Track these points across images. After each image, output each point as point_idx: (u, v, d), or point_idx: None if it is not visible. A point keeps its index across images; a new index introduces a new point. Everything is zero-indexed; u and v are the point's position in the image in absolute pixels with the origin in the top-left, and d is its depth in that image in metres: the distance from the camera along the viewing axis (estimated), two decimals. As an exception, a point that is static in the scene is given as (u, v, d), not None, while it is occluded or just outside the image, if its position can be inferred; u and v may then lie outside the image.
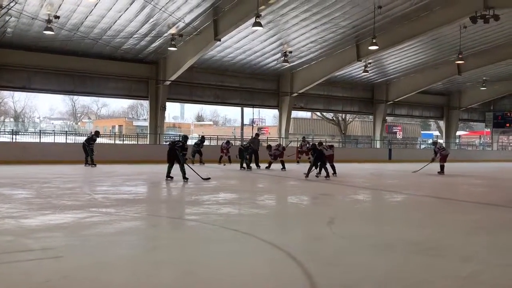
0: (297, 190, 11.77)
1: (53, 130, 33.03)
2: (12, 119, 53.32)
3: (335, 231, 6.12)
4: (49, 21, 16.75)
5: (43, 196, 9.22)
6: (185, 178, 12.18)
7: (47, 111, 66.13)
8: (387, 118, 34.61)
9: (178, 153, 12.12)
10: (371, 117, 34.22)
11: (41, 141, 21.25)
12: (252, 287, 3.82)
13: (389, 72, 29.32)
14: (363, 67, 25.67)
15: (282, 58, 23.56)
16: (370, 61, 25.32)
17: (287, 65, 24.18)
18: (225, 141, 21.59)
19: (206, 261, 4.51)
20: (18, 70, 20.62)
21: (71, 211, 7.18)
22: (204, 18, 18.52)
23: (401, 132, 51.48)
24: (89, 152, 16.91)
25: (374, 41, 18.79)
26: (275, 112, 32.54)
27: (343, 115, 45.79)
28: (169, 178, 12.35)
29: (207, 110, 71.55)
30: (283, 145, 21.30)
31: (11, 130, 27.95)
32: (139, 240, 5.67)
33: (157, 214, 7.46)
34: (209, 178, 12.63)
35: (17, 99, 55.70)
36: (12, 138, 22.39)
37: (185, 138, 13.15)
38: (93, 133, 17.98)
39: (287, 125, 28.69)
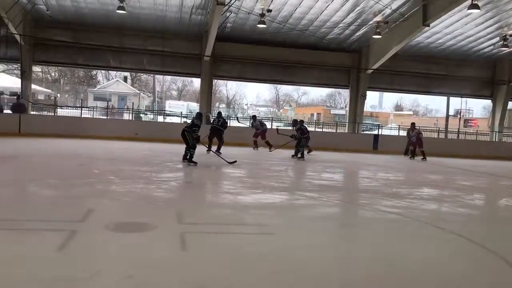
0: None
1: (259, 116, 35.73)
2: (224, 105, 59.58)
3: None
4: (262, 15, 18.14)
5: (254, 176, 10.14)
6: (190, 161, 10.66)
7: (254, 98, 71.88)
8: None
9: (187, 133, 10.78)
10: None
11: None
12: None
13: None
14: None
15: (500, 43, 21.03)
16: None
17: (506, 50, 21.47)
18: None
19: (409, 256, 4.38)
20: (234, 61, 22.86)
21: (279, 192, 7.72)
22: (412, 3, 17.69)
23: None
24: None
25: None
26: (485, 102, 29.23)
27: None
28: (187, 161, 10.77)
29: (407, 99, 68.38)
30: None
31: (225, 116, 31.26)
32: (338, 226, 5.80)
33: (357, 203, 7.50)
34: (235, 161, 11.31)
35: (230, 87, 61.94)
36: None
37: (198, 115, 11.78)
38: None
39: (502, 118, 25.55)
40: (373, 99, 68.93)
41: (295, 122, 15.92)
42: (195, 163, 10.53)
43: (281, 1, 17.81)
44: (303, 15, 19.13)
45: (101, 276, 3.34)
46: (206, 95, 22.64)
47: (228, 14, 18.76)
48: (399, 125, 24.96)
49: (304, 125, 15.15)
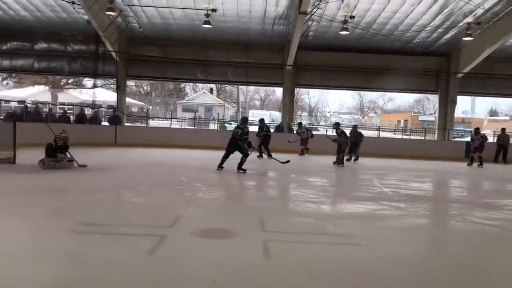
0: None
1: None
2: (306, 113, 59.44)
3: None
4: (345, 21, 17.92)
5: (336, 185, 10.00)
6: (240, 169, 10.51)
7: (337, 106, 70.98)
8: None
9: (241, 143, 10.60)
10: None
11: (333, 133, 22.96)
12: None
13: None
14: None
15: None
16: None
17: None
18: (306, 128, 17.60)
19: (506, 272, 4.06)
20: (316, 70, 22.76)
21: (364, 202, 7.54)
22: (506, 2, 16.53)
23: None
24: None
25: None
26: None
27: None
28: (239, 170, 10.57)
29: (502, 103, 63.61)
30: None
31: (307, 124, 31.20)
32: (427, 239, 5.52)
33: (447, 214, 7.10)
34: (288, 161, 11.38)
35: (312, 96, 61.67)
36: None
37: (244, 120, 11.68)
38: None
39: None
40: (464, 104, 64.89)
41: (337, 125, 15.11)
42: (245, 170, 10.49)
43: (364, 7, 17.49)
44: (387, 20, 18.61)
45: (188, 281, 3.48)
46: (288, 104, 22.77)
47: (310, 22, 18.76)
48: (494, 131, 23.22)
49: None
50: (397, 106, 67.61)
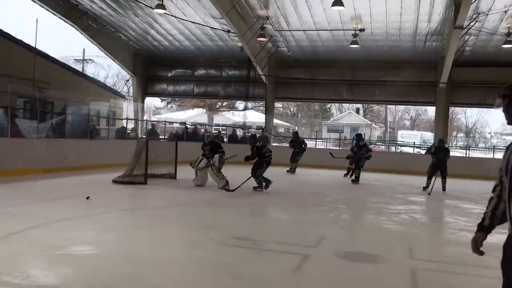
0: None
1: (505, 146, 31.73)
2: (463, 134, 54.95)
3: None
4: (508, 34, 16.27)
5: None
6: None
7: (498, 126, 64.39)
8: None
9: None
10: None
11: (494, 156, 20.82)
12: None
13: None
14: None
15: None
16: None
17: None
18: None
19: None
20: (473, 87, 20.98)
21: None
22: None
23: None
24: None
25: None
26: None
27: None
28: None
29: None
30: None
31: (463, 145, 28.82)
32: None
33: None
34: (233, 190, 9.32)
35: (469, 115, 56.93)
36: (465, 153, 23.00)
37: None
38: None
39: None
40: None
41: (359, 137, 13.68)
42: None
43: (532, 16, 15.69)
44: (562, 28, 16.38)
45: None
46: (442, 124, 21.31)
47: (467, 37, 17.43)
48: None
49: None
50: None
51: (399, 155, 21.68)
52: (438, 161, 11.48)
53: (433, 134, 24.62)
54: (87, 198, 7.15)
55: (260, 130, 23.26)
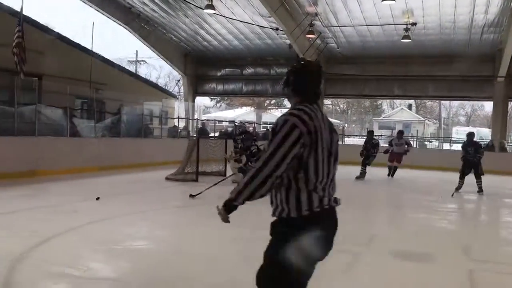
0: None
1: None
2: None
3: None
4: None
5: None
6: None
7: None
8: None
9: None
10: None
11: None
12: None
13: None
14: None
15: None
16: None
17: None
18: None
19: None
20: None
21: None
22: None
23: None
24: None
25: None
26: None
27: None
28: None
29: None
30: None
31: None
32: None
33: None
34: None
35: (531, 110, 54.11)
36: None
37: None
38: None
39: None
40: None
41: (370, 134, 13.51)
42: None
43: None
44: None
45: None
46: (500, 120, 20.38)
47: (527, 28, 16.59)
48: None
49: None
50: None
51: (453, 153, 20.94)
52: (465, 159, 9.99)
53: (490, 130, 23.58)
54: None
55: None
